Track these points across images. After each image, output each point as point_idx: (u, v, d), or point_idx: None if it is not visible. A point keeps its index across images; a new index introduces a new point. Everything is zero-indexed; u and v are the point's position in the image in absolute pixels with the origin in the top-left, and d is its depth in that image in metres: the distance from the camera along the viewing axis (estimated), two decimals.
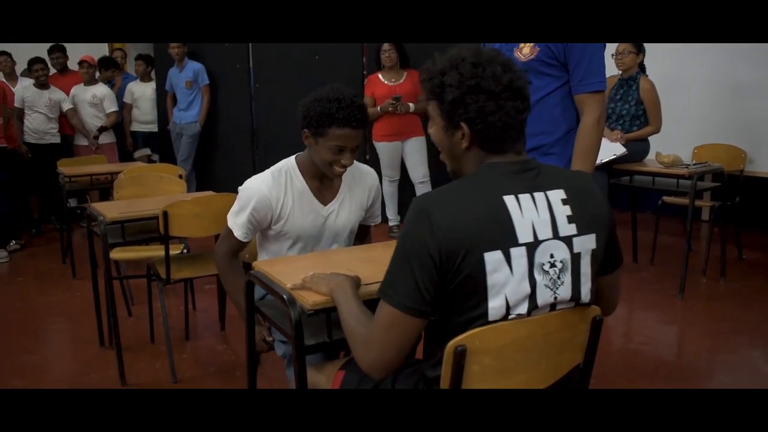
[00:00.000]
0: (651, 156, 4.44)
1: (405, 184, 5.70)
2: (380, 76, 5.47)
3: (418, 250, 1.29)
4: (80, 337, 3.63)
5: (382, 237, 5.51)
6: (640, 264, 4.81)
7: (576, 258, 1.37)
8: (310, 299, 1.62)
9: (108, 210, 3.05)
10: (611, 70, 4.53)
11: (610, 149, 4.16)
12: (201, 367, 3.25)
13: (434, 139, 1.48)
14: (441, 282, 1.30)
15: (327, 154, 2.06)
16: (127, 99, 6.74)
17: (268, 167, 2.23)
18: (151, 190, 3.73)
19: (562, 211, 1.37)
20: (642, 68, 4.53)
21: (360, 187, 2.30)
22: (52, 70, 6.21)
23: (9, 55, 6.18)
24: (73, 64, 6.37)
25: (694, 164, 4.22)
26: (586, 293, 1.40)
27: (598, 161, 4.07)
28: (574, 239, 1.37)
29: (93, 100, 6.12)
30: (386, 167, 5.61)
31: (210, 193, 3.33)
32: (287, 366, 2.14)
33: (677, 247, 5.01)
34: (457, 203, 1.31)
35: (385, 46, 5.35)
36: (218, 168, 6.57)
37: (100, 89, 6.20)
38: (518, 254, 1.30)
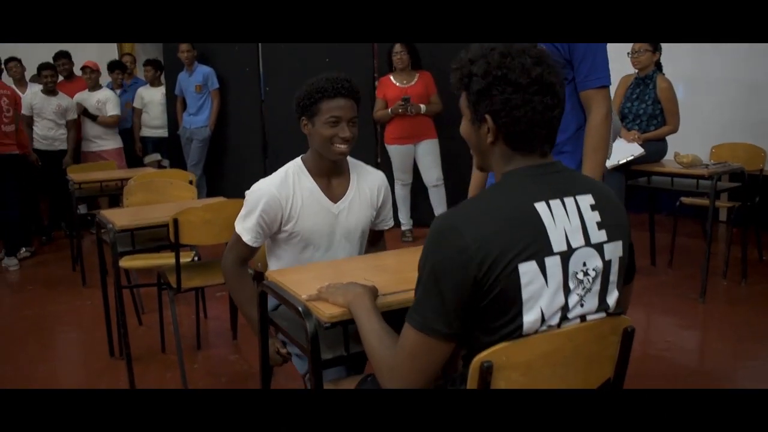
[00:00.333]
0: (668, 156, 4.36)
1: (417, 188, 5.63)
2: (392, 77, 5.41)
3: (447, 270, 1.22)
4: (90, 346, 3.58)
5: (394, 241, 5.44)
6: (659, 267, 4.71)
7: (607, 266, 1.31)
8: (326, 311, 1.56)
9: (117, 217, 3.00)
10: (627, 68, 4.45)
11: (627, 150, 4.08)
12: (213, 378, 3.19)
13: (462, 133, 1.41)
14: (472, 301, 1.22)
15: (325, 130, 2.03)
16: (137, 104, 6.72)
17: None
18: (161, 196, 3.68)
19: (592, 217, 1.30)
20: (659, 67, 4.43)
21: (368, 185, 2.25)
22: (59, 77, 6.18)
23: (19, 61, 6.17)
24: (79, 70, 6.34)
25: (714, 164, 4.13)
26: (613, 303, 1.34)
27: (615, 162, 4.02)
28: (605, 246, 1.31)
29: (98, 105, 6.08)
30: (398, 170, 5.54)
31: (221, 199, 3.27)
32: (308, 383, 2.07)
33: (695, 249, 4.92)
34: (484, 216, 1.24)
35: (397, 47, 5.29)
36: (229, 173, 6.52)
37: (104, 93, 6.15)
38: (553, 264, 1.24)
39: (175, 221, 2.84)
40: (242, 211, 2.10)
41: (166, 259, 3.39)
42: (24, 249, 5.44)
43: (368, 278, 1.71)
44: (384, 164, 5.93)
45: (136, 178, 4.02)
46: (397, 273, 1.84)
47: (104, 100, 6.09)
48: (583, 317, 1.30)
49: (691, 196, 4.53)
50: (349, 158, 2.21)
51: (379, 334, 1.41)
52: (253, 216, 2.06)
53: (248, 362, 3.32)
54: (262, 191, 2.07)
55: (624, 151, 4.07)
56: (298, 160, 2.17)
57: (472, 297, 1.22)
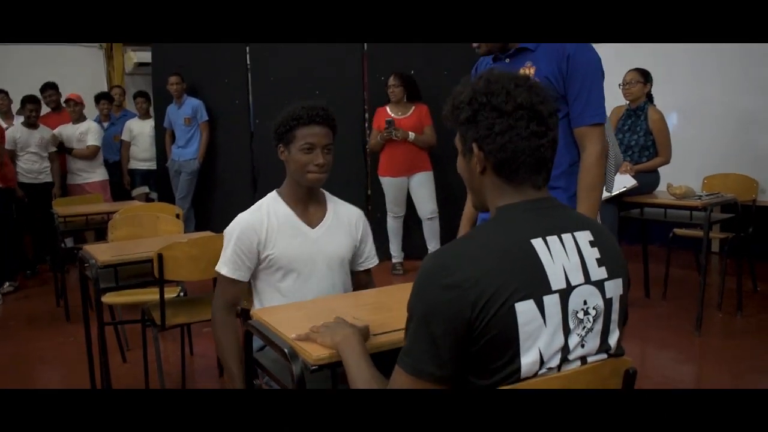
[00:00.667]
0: (661, 187, 4.33)
1: (410, 221, 5.57)
2: (388, 108, 5.40)
3: (439, 311, 1.15)
4: (72, 384, 3.46)
5: (384, 274, 5.37)
6: (653, 299, 4.66)
7: (608, 304, 1.25)
8: (314, 353, 1.48)
9: (100, 252, 2.93)
10: (619, 100, 4.45)
11: (620, 182, 4.04)
12: None
13: (458, 170, 1.36)
14: (466, 344, 1.16)
15: (300, 157, 2.07)
16: (125, 137, 6.66)
17: None
18: (147, 230, 3.60)
19: (592, 254, 1.25)
20: (650, 98, 4.43)
21: (346, 214, 2.25)
22: (45, 109, 6.14)
23: (6, 93, 6.12)
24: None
25: (707, 195, 4.11)
26: (614, 343, 1.28)
27: (608, 194, 3.98)
28: (606, 283, 1.25)
29: (80, 137, 6.03)
30: (391, 203, 5.48)
31: (207, 233, 3.20)
32: None
33: (689, 281, 4.87)
34: (478, 254, 1.18)
35: (391, 80, 5.29)
36: (218, 206, 6.45)
37: (86, 125, 6.10)
38: (551, 303, 1.17)
39: (160, 256, 2.77)
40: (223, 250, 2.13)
41: (150, 294, 3.30)
42: (7, 283, 5.33)
43: (357, 317, 1.64)
44: (375, 196, 5.89)
45: (121, 211, 3.95)
46: (388, 311, 1.78)
47: (86, 131, 6.04)
48: (583, 359, 1.24)
49: (685, 228, 4.49)
50: (326, 192, 2.25)
51: (367, 380, 1.34)
52: (230, 247, 2.09)
53: None
54: (236, 222, 2.12)
55: (617, 183, 4.03)
56: (272, 193, 2.21)
57: (465, 339, 1.15)
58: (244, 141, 6.35)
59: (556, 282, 1.19)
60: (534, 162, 1.25)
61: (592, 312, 1.23)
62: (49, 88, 6.21)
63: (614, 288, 1.27)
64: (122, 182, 6.66)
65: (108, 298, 3.34)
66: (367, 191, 5.94)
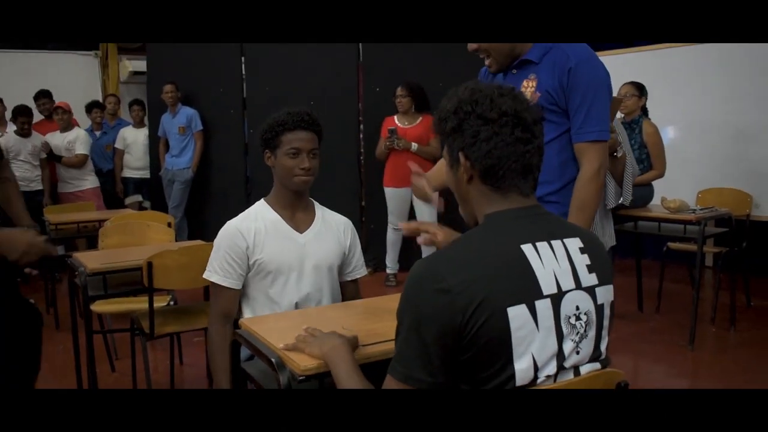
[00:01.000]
0: (655, 201, 4.33)
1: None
2: (395, 118, 5.38)
3: (429, 316, 1.14)
4: None
5: (378, 285, 5.35)
6: (646, 313, 4.64)
7: (600, 310, 1.25)
8: (301, 363, 1.46)
9: (90, 260, 2.89)
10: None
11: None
12: None
13: (447, 183, 1.36)
14: (458, 349, 1.14)
15: (286, 161, 2.10)
16: (118, 145, 6.64)
17: None
18: (138, 238, 3.57)
19: (582, 261, 1.25)
20: (644, 111, 4.44)
21: (334, 221, 2.27)
22: (38, 116, 6.11)
23: (0, 100, 6.09)
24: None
25: (701, 209, 4.10)
26: (605, 349, 1.28)
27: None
28: (597, 289, 1.25)
29: (68, 146, 6.00)
30: (392, 214, 5.40)
31: (198, 242, 3.18)
32: None
33: (682, 295, 4.86)
34: (467, 259, 1.17)
35: (398, 90, 5.27)
36: (211, 215, 6.41)
37: (74, 133, 6.08)
38: (543, 307, 1.16)
39: (149, 264, 2.74)
40: (210, 258, 2.14)
41: (140, 303, 3.26)
42: None
43: (348, 326, 1.62)
44: (369, 208, 5.87)
45: (112, 219, 3.91)
46: (379, 320, 1.75)
47: (74, 140, 6.02)
48: (576, 369, 1.23)
49: (678, 242, 4.49)
50: (314, 201, 2.26)
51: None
52: (219, 253, 2.11)
53: None
54: (224, 229, 2.15)
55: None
56: (261, 200, 2.23)
57: (457, 344, 1.14)
58: (238, 151, 6.33)
59: (548, 287, 1.18)
60: (520, 168, 1.25)
61: (584, 318, 1.22)
62: (43, 96, 6.20)
63: (605, 294, 1.27)
64: (115, 190, 6.62)
65: (97, 307, 3.31)
66: (361, 202, 5.93)
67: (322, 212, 2.26)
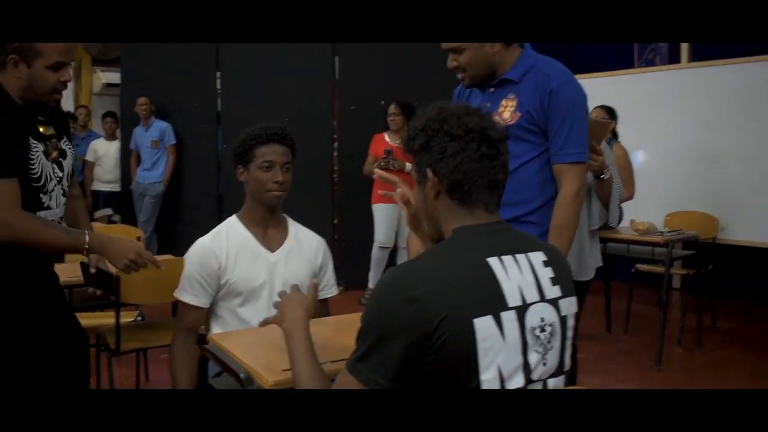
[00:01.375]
0: (624, 223, 4.38)
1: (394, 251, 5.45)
2: (386, 136, 5.32)
3: (397, 323, 1.15)
4: None
5: (349, 304, 5.32)
6: (614, 334, 4.68)
7: (563, 321, 1.28)
8: (270, 378, 1.45)
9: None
10: None
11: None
12: None
13: (414, 202, 1.39)
14: (422, 359, 1.15)
15: (259, 175, 2.07)
16: (89, 157, 6.58)
17: None
18: None
19: (545, 274, 1.28)
20: (615, 135, 4.51)
21: (307, 240, 2.24)
22: None
23: None
24: None
25: (669, 232, 4.17)
26: (567, 360, 1.31)
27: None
28: (560, 301, 1.28)
29: None
30: (380, 232, 5.29)
31: (168, 256, 3.14)
32: None
33: (650, 316, 4.92)
34: (436, 270, 1.19)
35: (391, 108, 5.23)
36: (181, 230, 6.35)
37: None
38: (509, 319, 1.19)
39: (117, 278, 2.70)
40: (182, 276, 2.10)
41: (106, 318, 3.21)
42: None
43: (321, 342, 1.61)
44: (341, 226, 5.87)
45: None
46: (350, 336, 1.74)
47: None
48: (544, 383, 1.25)
49: (647, 263, 4.54)
50: (288, 217, 2.23)
51: (310, 375, 1.37)
52: (190, 273, 2.07)
53: None
54: (195, 247, 2.11)
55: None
56: (232, 217, 2.20)
57: (422, 353, 1.15)
58: (211, 166, 6.30)
59: (513, 299, 1.21)
60: (486, 183, 1.29)
61: (549, 329, 1.25)
62: None
63: (568, 306, 1.30)
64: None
65: None
66: (333, 220, 5.92)
67: (295, 229, 2.23)
